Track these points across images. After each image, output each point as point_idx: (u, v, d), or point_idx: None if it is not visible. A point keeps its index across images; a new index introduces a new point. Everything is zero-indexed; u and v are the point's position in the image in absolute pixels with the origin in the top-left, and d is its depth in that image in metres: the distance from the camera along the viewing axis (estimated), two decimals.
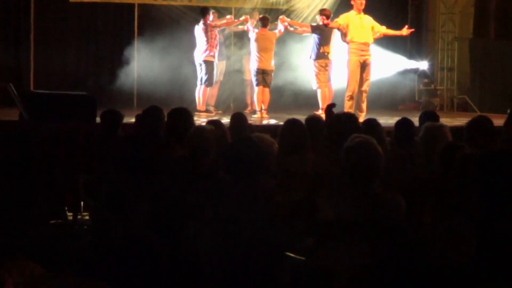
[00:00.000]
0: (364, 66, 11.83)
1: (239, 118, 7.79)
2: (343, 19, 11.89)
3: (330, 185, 4.76)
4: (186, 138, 5.73)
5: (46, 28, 14.43)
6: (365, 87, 11.89)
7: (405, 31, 12.26)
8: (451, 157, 4.80)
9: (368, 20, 11.96)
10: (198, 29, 12.82)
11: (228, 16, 13.66)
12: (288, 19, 13.30)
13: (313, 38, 12.54)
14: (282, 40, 13.61)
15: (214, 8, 13.82)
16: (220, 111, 13.46)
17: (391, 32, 12.30)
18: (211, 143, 5.61)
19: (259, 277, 4.30)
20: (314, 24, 12.86)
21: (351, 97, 11.82)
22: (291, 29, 13.07)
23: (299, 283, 4.32)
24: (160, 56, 13.87)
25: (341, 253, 4.09)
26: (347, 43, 11.87)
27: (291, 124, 6.39)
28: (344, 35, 11.90)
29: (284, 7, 15.31)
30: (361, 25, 11.82)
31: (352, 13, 11.91)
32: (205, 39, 12.70)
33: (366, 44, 11.85)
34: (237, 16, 14.09)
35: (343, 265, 4.05)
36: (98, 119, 9.04)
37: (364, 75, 11.85)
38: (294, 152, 6.02)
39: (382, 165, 4.28)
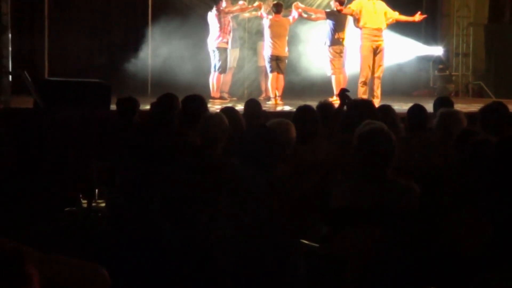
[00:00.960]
0: (377, 52, 11.82)
1: (253, 105, 7.79)
2: (356, 5, 11.87)
3: (343, 172, 4.75)
4: (198, 126, 5.74)
5: (60, 15, 14.44)
6: (378, 73, 11.88)
7: (418, 17, 12.22)
8: (467, 143, 4.77)
9: (381, 5, 11.93)
10: (211, 16, 12.79)
11: (241, 2, 13.62)
12: (302, 5, 13.25)
13: (328, 24, 12.52)
14: (296, 26, 13.56)
15: None
16: (234, 98, 13.44)
17: (404, 18, 12.26)
18: (220, 131, 5.61)
19: (273, 264, 4.31)
20: (328, 10, 12.83)
21: (365, 83, 11.81)
22: (305, 15, 13.03)
23: (313, 270, 4.32)
24: (174, 43, 13.86)
25: (355, 240, 4.08)
26: (360, 28, 11.86)
27: (303, 110, 6.38)
28: (356, 20, 11.90)
29: None
30: (374, 10, 11.80)
31: None
32: (218, 25, 12.67)
33: (379, 30, 11.82)
34: (250, 2, 14.05)
35: (356, 251, 4.05)
36: (112, 106, 9.06)
37: (377, 61, 11.83)
38: (307, 139, 6.01)
39: (395, 152, 4.26)
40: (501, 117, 6.09)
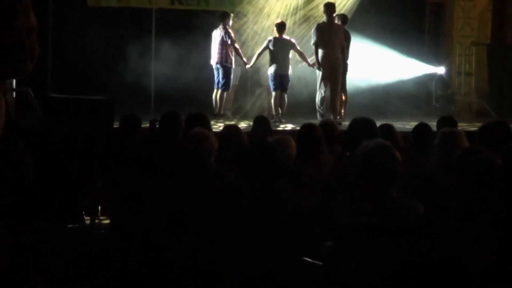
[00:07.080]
0: (333, 72, 12.18)
1: (261, 122, 7.81)
2: (318, 29, 12.37)
3: (347, 190, 4.75)
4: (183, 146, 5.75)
5: (64, 32, 14.48)
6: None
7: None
8: (469, 161, 4.76)
9: (339, 29, 12.26)
10: (216, 34, 12.83)
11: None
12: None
13: None
14: (300, 44, 13.63)
15: (232, 11, 13.85)
16: (237, 116, 13.46)
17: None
18: (209, 145, 5.58)
19: (277, 280, 4.30)
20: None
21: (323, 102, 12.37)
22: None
23: (316, 287, 4.32)
24: (177, 60, 13.89)
25: (358, 258, 4.09)
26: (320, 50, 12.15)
27: (308, 129, 6.42)
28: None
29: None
30: (331, 32, 12.15)
31: (324, 23, 12.34)
32: (222, 43, 12.71)
33: (336, 51, 12.10)
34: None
35: (360, 269, 4.05)
36: (115, 123, 9.08)
37: (333, 80, 12.27)
38: (311, 157, 6.04)
39: (399, 170, 4.27)
40: (501, 135, 6.11)
